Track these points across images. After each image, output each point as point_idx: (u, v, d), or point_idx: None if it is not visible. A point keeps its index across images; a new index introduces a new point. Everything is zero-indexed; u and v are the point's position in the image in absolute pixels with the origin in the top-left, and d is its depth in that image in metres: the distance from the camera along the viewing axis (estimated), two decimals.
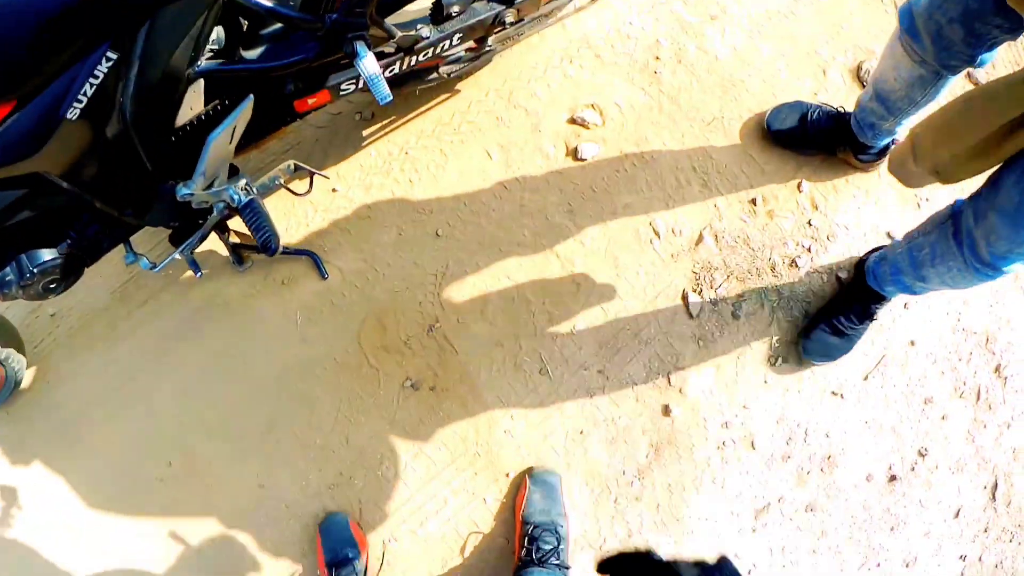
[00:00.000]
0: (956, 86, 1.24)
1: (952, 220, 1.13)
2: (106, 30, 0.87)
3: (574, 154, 1.56)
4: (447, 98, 1.59)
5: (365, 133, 1.58)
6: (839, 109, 1.57)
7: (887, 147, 1.54)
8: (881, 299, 1.47)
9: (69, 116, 0.92)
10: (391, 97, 1.15)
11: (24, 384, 1.56)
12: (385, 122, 1.58)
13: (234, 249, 1.53)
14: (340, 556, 1.42)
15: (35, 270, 1.16)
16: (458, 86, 1.59)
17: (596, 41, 1.62)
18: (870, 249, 1.56)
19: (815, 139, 1.55)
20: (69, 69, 0.89)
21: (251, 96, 1.14)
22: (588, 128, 1.57)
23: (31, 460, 1.57)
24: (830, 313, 1.49)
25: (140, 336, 1.58)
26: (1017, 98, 0.86)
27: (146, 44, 0.93)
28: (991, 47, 1.08)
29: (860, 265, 1.52)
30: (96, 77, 0.91)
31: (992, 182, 1.02)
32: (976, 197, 1.06)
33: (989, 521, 1.63)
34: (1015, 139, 0.89)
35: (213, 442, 1.54)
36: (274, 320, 1.55)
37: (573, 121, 1.58)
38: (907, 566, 1.60)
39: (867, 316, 1.48)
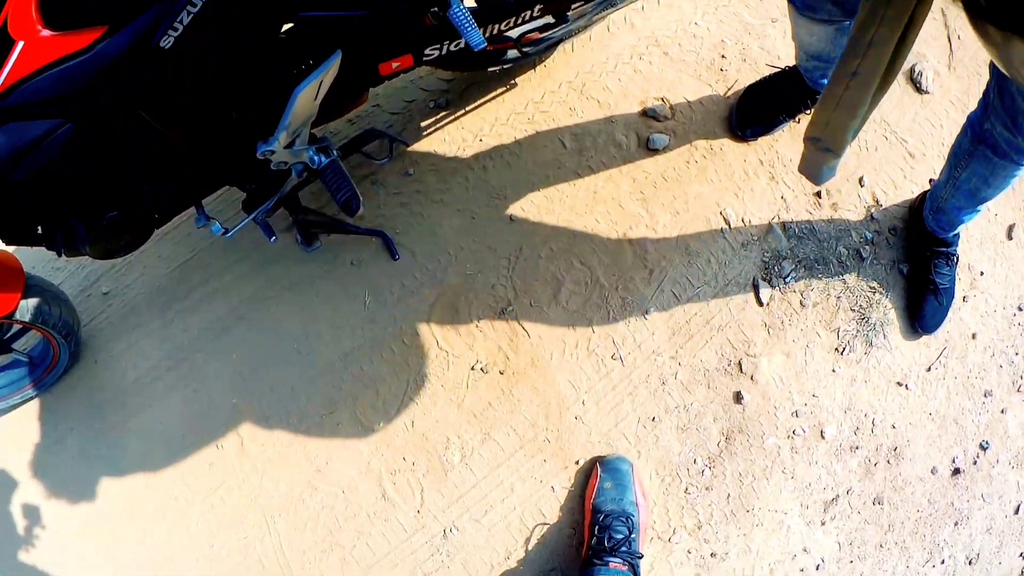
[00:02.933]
0: None
1: (986, 145, 1.23)
2: None
3: (645, 144, 1.61)
4: (520, 88, 1.64)
5: (439, 120, 1.62)
6: (783, 68, 1.65)
7: None
8: (954, 241, 1.58)
9: (163, 44, 0.90)
10: (485, 42, 1.17)
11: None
12: (459, 110, 1.62)
13: (305, 228, 1.54)
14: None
15: (106, 223, 1.13)
16: (531, 77, 1.65)
17: (663, 39, 1.69)
18: (917, 198, 1.64)
19: (782, 108, 1.62)
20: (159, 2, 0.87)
21: (339, 52, 1.15)
22: (659, 120, 1.63)
23: (78, 441, 1.54)
24: (923, 281, 1.58)
25: (198, 316, 1.58)
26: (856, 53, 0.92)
27: None
28: None
29: (915, 217, 1.61)
30: (195, 5, 0.89)
31: (999, 95, 1.12)
32: (991, 114, 1.17)
33: None
34: (883, 89, 0.97)
35: (269, 424, 1.53)
36: (341, 301, 1.56)
37: (644, 113, 1.63)
38: (970, 563, 1.61)
39: (952, 260, 1.59)
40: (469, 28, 1.17)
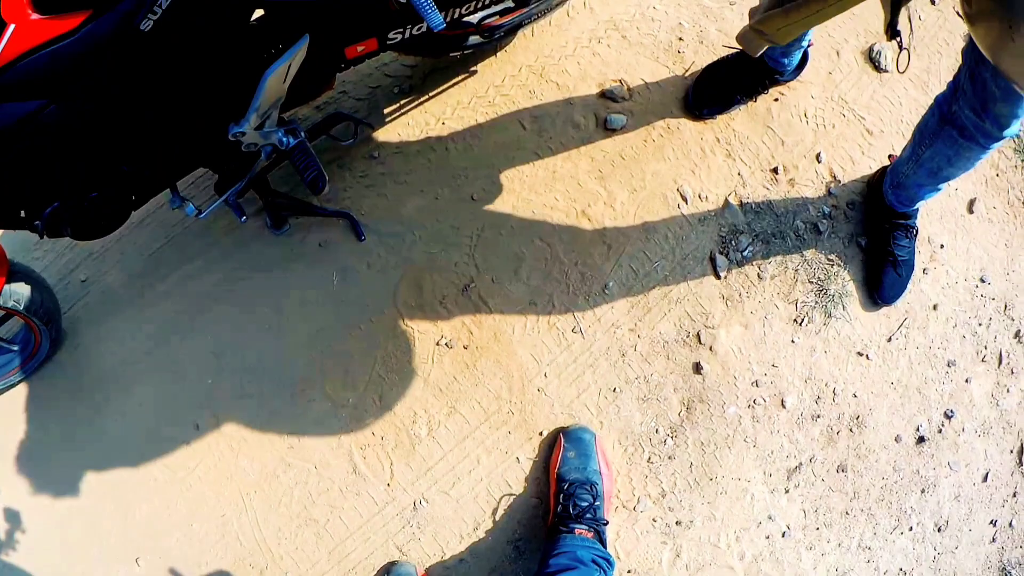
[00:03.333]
0: None
1: (952, 126, 1.28)
2: None
3: (603, 124, 1.65)
4: (481, 73, 1.69)
5: (403, 105, 1.67)
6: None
7: (803, 59, 1.68)
8: (914, 214, 1.61)
9: (143, 27, 0.96)
10: (444, 23, 1.22)
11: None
12: (422, 95, 1.68)
13: (274, 211, 1.59)
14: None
15: (86, 203, 1.19)
16: (491, 63, 1.71)
17: (622, 23, 1.74)
18: (875, 172, 1.66)
19: (740, 87, 1.67)
20: None
21: (307, 36, 1.20)
22: (616, 102, 1.67)
23: (57, 424, 1.59)
24: (882, 253, 1.61)
25: (174, 299, 1.63)
26: None
27: None
28: None
29: (874, 191, 1.64)
30: None
31: (971, 80, 1.18)
32: (960, 97, 1.22)
33: (1017, 486, 1.67)
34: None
35: (244, 403, 1.58)
36: (311, 281, 1.61)
37: (602, 95, 1.68)
38: (939, 530, 1.62)
39: (911, 232, 1.62)
40: (429, 10, 1.22)
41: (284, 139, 1.39)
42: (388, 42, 1.38)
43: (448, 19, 1.39)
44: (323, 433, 1.56)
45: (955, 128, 1.28)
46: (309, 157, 1.45)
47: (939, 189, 1.51)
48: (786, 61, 1.63)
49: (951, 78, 1.28)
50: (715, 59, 1.70)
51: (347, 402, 1.57)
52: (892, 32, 1.09)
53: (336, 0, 1.22)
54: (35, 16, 0.91)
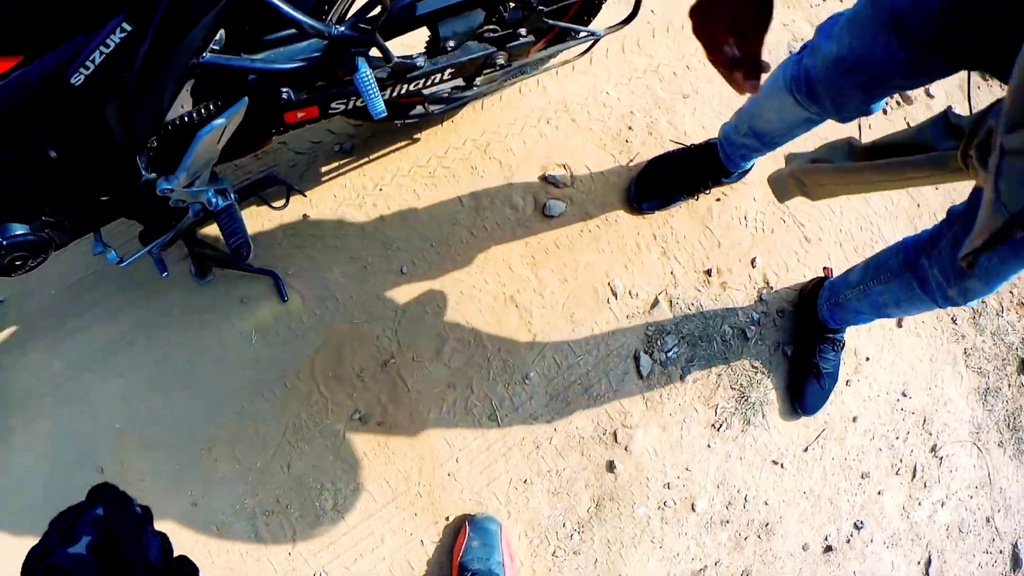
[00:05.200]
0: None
1: (914, 276, 1.25)
2: (124, 1, 0.91)
3: (542, 210, 1.64)
4: (425, 141, 1.67)
5: (342, 165, 1.65)
6: (688, 145, 1.69)
7: (749, 169, 1.69)
8: (842, 328, 1.63)
9: (73, 81, 0.94)
10: (386, 112, 1.21)
11: None
12: (362, 157, 1.65)
13: (199, 261, 1.56)
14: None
15: (4, 242, 1.16)
16: (437, 131, 1.69)
17: (573, 105, 1.73)
18: (808, 282, 1.67)
19: (682, 185, 1.67)
20: (81, 35, 0.91)
21: (245, 99, 1.18)
22: (558, 187, 1.67)
23: None
24: (807, 365, 1.63)
25: (91, 334, 1.60)
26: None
27: (161, 23, 0.96)
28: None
29: (806, 302, 1.65)
30: (107, 47, 0.93)
31: (953, 247, 1.15)
32: (935, 256, 1.19)
33: None
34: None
35: (150, 453, 1.54)
36: (229, 337, 1.58)
37: (544, 179, 1.68)
38: None
39: (838, 345, 1.64)
40: (372, 96, 1.21)
41: (213, 199, 1.36)
42: (330, 111, 1.36)
43: (395, 94, 1.38)
44: (228, 494, 1.53)
45: (916, 279, 1.25)
46: (235, 223, 1.42)
47: (874, 319, 1.52)
48: (745, 165, 1.63)
49: (928, 226, 1.27)
50: (662, 152, 1.69)
51: (255, 466, 1.54)
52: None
53: (279, 70, 1.20)
54: None
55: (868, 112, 1.20)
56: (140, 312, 1.61)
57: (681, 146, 1.69)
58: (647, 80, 1.80)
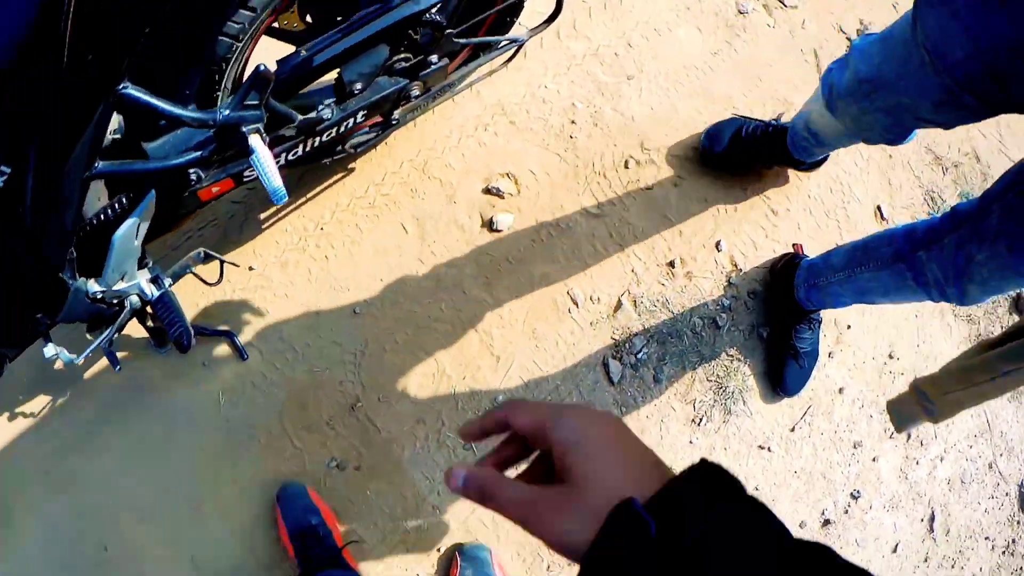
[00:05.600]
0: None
1: (908, 267, 1.18)
2: None
3: (489, 225, 1.58)
4: (361, 169, 1.60)
5: (280, 209, 1.59)
6: (773, 121, 1.60)
7: (824, 159, 1.59)
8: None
9: None
10: (286, 196, 1.16)
11: None
12: (300, 197, 1.59)
13: (153, 333, 1.53)
14: (304, 524, 1.42)
15: None
16: (372, 157, 1.61)
17: (510, 106, 1.64)
18: (779, 259, 1.59)
19: (752, 154, 1.58)
20: None
21: (152, 193, 1.14)
22: (503, 198, 1.59)
23: None
24: (784, 347, 1.58)
25: (68, 418, 1.58)
26: None
27: (38, 156, 0.92)
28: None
29: (779, 278, 1.58)
30: (3, 174, 0.90)
31: (957, 249, 1.09)
32: (935, 252, 1.13)
33: (929, 551, 1.70)
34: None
35: (145, 524, 1.56)
36: (197, 402, 1.57)
37: (488, 191, 1.60)
38: None
39: (815, 324, 1.57)
40: (269, 179, 1.13)
41: (146, 291, 1.33)
42: (245, 179, 1.30)
43: (307, 149, 1.31)
44: (225, 552, 1.55)
45: (911, 271, 1.18)
46: (172, 312, 1.38)
47: (859, 303, 1.44)
48: (806, 156, 1.53)
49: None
50: (608, 145, 1.60)
51: (244, 525, 1.55)
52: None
53: (171, 166, 1.14)
54: None
55: (892, 141, 1.12)
56: (106, 391, 1.59)
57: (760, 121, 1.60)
58: (587, 66, 1.69)
